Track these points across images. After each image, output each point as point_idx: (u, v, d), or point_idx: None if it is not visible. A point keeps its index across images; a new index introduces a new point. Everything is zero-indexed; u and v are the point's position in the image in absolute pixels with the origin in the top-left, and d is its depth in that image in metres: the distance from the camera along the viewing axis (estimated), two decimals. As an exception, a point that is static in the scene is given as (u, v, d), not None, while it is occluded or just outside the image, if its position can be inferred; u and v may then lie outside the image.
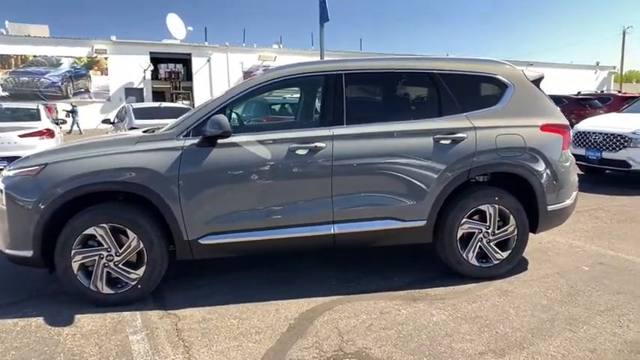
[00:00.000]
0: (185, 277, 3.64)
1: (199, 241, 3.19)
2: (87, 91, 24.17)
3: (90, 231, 3.07)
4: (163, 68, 25.52)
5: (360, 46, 35.85)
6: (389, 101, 3.57)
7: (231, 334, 2.80)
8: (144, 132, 3.94)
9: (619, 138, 7.17)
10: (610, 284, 3.47)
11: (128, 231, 3.10)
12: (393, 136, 3.34)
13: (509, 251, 3.58)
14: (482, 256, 3.56)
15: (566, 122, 3.72)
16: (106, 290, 3.14)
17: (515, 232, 3.55)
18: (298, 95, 3.92)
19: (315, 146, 3.22)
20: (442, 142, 3.38)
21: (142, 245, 3.12)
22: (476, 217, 3.52)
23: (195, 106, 11.12)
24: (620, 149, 7.15)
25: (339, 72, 3.40)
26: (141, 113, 8.71)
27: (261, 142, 3.20)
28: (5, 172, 3.26)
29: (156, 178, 3.08)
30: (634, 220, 5.35)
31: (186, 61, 26.40)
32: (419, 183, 3.35)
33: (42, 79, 23.32)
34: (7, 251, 3.18)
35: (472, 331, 2.79)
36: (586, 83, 35.16)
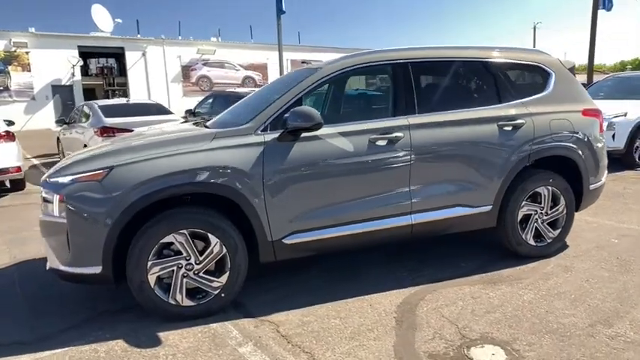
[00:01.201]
0: (256, 281, 3.42)
1: (283, 240, 3.03)
2: (6, 89, 21.59)
3: (168, 239, 2.79)
4: (94, 63, 23.53)
5: (298, 39, 35.73)
6: (453, 89, 3.60)
7: (344, 334, 2.70)
8: (194, 124, 3.65)
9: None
10: (630, 258, 3.80)
11: (210, 236, 2.85)
12: (462, 123, 3.40)
13: (560, 230, 3.80)
14: (537, 235, 3.74)
15: (599, 107, 4.00)
16: (187, 302, 2.88)
17: (565, 212, 3.78)
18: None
19: (395, 136, 3.18)
20: (505, 128, 3.49)
21: (224, 250, 2.89)
22: (529, 199, 3.68)
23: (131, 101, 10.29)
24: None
25: (406, 61, 3.38)
26: (110, 111, 8.03)
27: (343, 134, 3.10)
28: (54, 179, 2.85)
29: (240, 176, 2.86)
30: (619, 195, 5.91)
31: (119, 55, 24.58)
32: (487, 169, 3.44)
33: (-52, 77, 20.50)
34: (66, 269, 2.79)
35: (567, 307, 2.94)
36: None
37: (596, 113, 3.89)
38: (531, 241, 3.71)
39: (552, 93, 3.76)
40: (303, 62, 17.44)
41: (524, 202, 3.63)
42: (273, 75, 31.95)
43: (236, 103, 4.22)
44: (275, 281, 3.44)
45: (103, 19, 24.99)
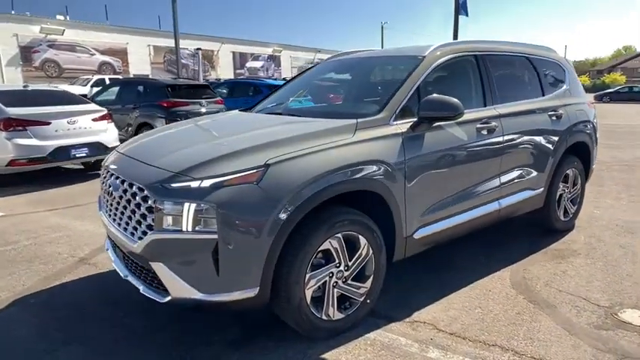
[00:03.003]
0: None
1: (413, 236, 2.88)
2: None
3: (325, 245, 2.42)
4: None
5: (159, 24, 32.82)
6: (513, 81, 3.82)
7: (502, 322, 2.71)
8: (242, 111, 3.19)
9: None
10: (626, 224, 4.63)
11: (360, 238, 2.56)
12: (529, 113, 3.66)
13: (576, 206, 4.39)
14: (564, 212, 4.25)
15: None
16: (337, 316, 2.55)
17: (580, 190, 4.38)
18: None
19: (494, 125, 3.28)
20: (553, 118, 3.87)
21: (371, 252, 2.63)
22: (562, 180, 4.14)
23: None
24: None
25: (482, 53, 3.49)
26: (9, 100, 6.35)
27: (458, 123, 3.06)
28: (179, 184, 2.18)
29: (389, 170, 2.62)
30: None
31: None
32: (545, 154, 3.78)
33: None
34: (209, 297, 2.19)
35: (635, 269, 3.43)
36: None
37: (592, 105, 4.56)
38: (562, 217, 4.21)
39: (569, 87, 4.29)
40: (197, 49, 16.68)
41: (560, 183, 4.08)
42: (136, 62, 29.06)
43: (283, 89, 3.82)
44: (379, 280, 3.24)
45: None
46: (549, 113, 3.85)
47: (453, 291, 3.12)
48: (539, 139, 3.73)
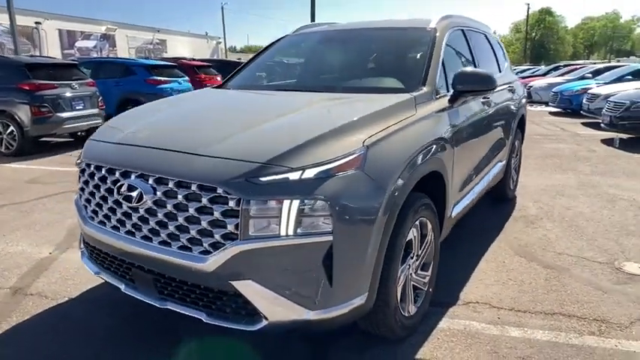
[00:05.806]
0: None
1: (452, 215, 2.75)
2: None
3: (409, 236, 2.12)
4: None
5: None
6: (483, 56, 3.87)
7: (540, 289, 2.77)
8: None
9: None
10: (551, 188, 5.27)
11: (428, 223, 2.32)
12: (501, 87, 3.81)
13: (517, 175, 4.80)
14: (511, 181, 4.61)
15: None
16: (413, 310, 2.28)
17: (519, 160, 4.80)
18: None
19: (490, 98, 3.32)
20: (511, 92, 4.12)
21: (433, 237, 2.41)
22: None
23: None
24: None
25: (465, 27, 3.49)
26: None
27: (473, 97, 2.99)
28: (272, 176, 1.64)
29: (445, 148, 2.43)
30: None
31: None
32: (508, 127, 3.99)
33: None
34: (320, 315, 1.72)
35: (599, 226, 3.85)
36: (201, 50, 39.55)
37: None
38: (511, 186, 4.56)
39: (509, 65, 4.63)
40: (36, 23, 14.25)
41: (512, 154, 4.40)
42: None
43: (253, 65, 3.31)
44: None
45: None
46: (508, 88, 4.09)
47: (472, 267, 3.09)
48: (508, 113, 3.93)
